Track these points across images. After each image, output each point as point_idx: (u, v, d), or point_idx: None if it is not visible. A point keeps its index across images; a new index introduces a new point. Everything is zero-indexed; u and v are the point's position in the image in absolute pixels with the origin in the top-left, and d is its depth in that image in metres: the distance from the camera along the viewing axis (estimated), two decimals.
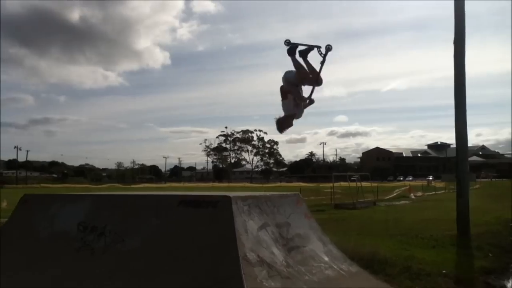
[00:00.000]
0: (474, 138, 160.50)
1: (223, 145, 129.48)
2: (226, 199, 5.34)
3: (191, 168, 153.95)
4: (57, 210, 6.52)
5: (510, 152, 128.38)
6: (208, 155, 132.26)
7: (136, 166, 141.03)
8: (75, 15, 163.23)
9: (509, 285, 6.80)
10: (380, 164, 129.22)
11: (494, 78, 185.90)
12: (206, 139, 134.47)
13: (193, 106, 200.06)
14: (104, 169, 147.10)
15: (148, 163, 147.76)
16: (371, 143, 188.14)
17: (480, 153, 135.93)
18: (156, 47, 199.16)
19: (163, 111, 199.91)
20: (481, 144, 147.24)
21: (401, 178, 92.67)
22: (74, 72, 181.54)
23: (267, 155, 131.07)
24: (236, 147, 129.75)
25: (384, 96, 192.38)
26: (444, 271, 6.96)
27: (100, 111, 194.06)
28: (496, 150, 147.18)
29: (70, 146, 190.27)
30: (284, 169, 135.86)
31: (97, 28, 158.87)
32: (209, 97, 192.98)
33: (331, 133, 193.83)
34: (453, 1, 10.92)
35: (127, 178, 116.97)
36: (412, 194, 31.35)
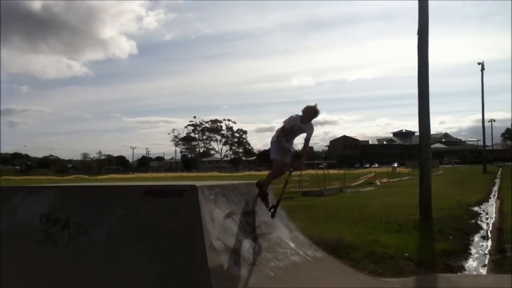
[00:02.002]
0: (437, 126, 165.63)
1: (192, 134, 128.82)
2: (192, 188, 5.34)
3: (159, 158, 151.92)
4: (18, 203, 6.36)
5: (471, 139, 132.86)
6: (176, 145, 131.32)
7: (103, 157, 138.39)
8: (37, 3, 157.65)
9: (467, 265, 7.09)
10: (347, 152, 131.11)
11: (457, 67, 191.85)
12: (174, 129, 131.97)
13: (160, 96, 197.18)
14: (69, 161, 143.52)
15: (115, 154, 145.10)
16: (338, 132, 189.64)
17: (443, 140, 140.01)
18: (122, 36, 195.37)
19: (129, 101, 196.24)
20: (444, 131, 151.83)
21: (367, 165, 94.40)
22: (36, 61, 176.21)
23: (236, 144, 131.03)
24: (204, 137, 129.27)
25: (351, 85, 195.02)
26: (406, 254, 7.18)
27: (64, 102, 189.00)
28: (459, 137, 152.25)
29: (34, 138, 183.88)
30: (253, 158, 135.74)
31: (61, 17, 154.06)
32: (176, 86, 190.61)
33: None
34: None
35: (93, 169, 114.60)
36: (377, 181, 32.05)
